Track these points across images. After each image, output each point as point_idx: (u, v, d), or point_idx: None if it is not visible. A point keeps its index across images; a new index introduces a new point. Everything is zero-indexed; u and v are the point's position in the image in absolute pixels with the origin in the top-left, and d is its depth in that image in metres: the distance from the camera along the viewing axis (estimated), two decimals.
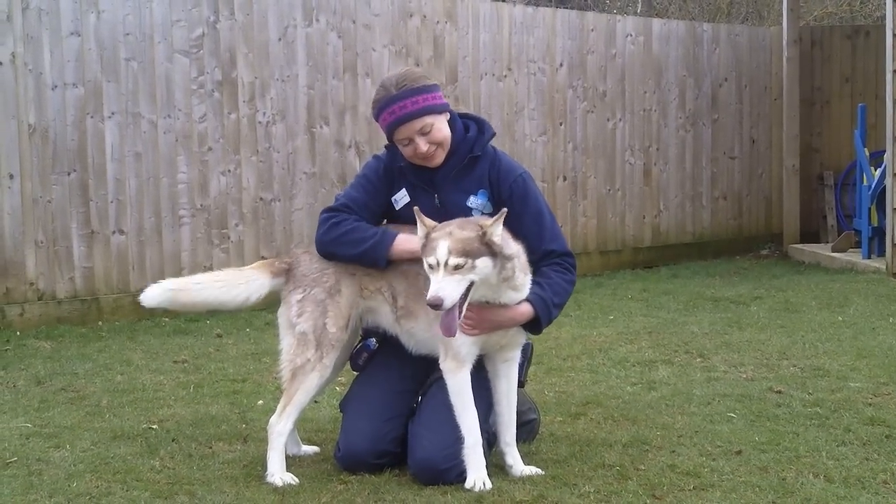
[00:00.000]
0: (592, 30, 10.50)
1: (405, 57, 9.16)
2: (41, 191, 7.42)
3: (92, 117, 7.61)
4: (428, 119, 3.96)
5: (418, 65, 9.19)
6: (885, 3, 10.01)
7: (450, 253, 3.54)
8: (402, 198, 4.09)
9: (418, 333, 3.95)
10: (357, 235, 3.94)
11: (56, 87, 7.45)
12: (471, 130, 4.12)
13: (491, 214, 3.87)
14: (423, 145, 3.96)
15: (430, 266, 3.57)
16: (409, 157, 4.03)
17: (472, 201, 4.03)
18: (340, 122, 8.85)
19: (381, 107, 4.00)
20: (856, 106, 10.90)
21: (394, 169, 4.11)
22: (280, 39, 8.49)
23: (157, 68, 7.89)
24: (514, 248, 3.75)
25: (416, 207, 3.76)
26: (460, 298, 3.56)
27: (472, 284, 3.59)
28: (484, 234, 3.62)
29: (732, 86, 11.61)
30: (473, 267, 3.57)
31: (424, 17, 9.32)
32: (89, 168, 7.61)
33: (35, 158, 7.40)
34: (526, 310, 3.82)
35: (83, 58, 7.56)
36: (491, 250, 3.62)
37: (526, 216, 3.99)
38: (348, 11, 8.85)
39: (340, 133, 8.85)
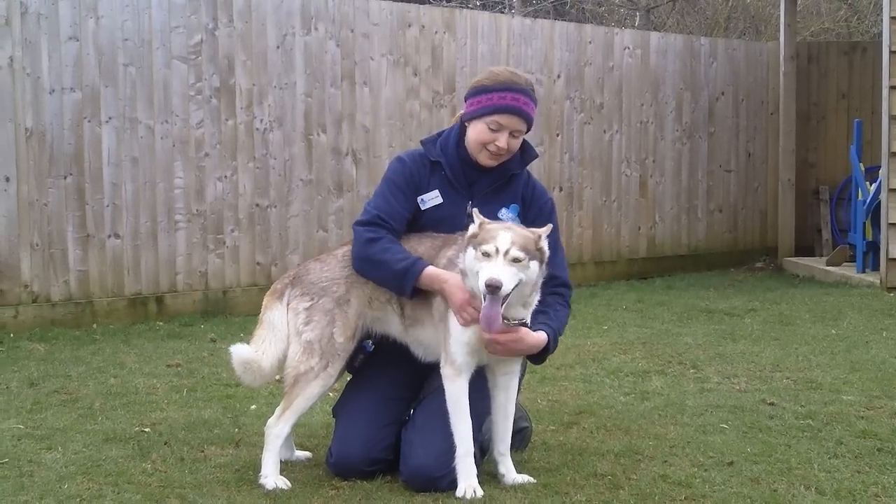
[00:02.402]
0: (590, 42, 10.53)
1: (403, 66, 9.19)
2: (37, 194, 7.43)
3: (89, 122, 7.62)
4: (524, 127, 4.05)
5: (416, 74, 9.23)
6: (882, 20, 10.06)
7: (512, 244, 3.58)
8: (431, 199, 4.08)
9: (426, 340, 3.95)
10: (385, 257, 3.89)
11: (54, 91, 7.46)
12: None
13: None
14: (502, 142, 4.00)
15: (486, 254, 3.58)
16: (480, 142, 4.01)
17: (504, 213, 4.06)
18: (338, 130, 8.86)
19: (504, 88, 4.01)
20: (852, 121, 10.94)
21: (424, 167, 4.10)
22: (278, 47, 8.51)
23: (154, 74, 7.90)
24: (546, 270, 3.80)
25: (475, 209, 3.77)
26: (506, 295, 3.57)
27: (517, 285, 3.61)
28: (539, 237, 3.69)
29: (729, 100, 11.65)
30: (527, 266, 3.62)
31: (423, 26, 9.35)
32: (86, 172, 7.62)
33: (31, 162, 7.40)
34: (542, 338, 3.86)
35: (81, 62, 7.57)
36: (541, 257, 3.68)
37: None
38: (347, 20, 8.88)
39: (337, 141, 8.87)
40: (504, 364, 3.91)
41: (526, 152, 4.20)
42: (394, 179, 4.10)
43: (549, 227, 3.80)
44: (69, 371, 6.03)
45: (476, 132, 4.03)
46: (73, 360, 6.38)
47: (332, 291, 3.97)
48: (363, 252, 3.95)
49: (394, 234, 3.99)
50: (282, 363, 3.99)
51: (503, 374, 3.93)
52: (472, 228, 3.71)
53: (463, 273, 3.73)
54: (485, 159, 4.05)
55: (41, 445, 4.42)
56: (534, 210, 4.09)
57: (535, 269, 3.66)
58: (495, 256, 3.57)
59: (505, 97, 3.99)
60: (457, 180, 4.09)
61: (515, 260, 3.58)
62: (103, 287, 7.75)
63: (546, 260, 3.73)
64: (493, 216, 3.98)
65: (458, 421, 3.76)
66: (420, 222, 4.09)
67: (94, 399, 5.31)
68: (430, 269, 3.86)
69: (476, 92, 4.05)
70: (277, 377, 4.10)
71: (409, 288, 3.86)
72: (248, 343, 4.01)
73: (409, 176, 4.09)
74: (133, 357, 6.51)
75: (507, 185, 4.13)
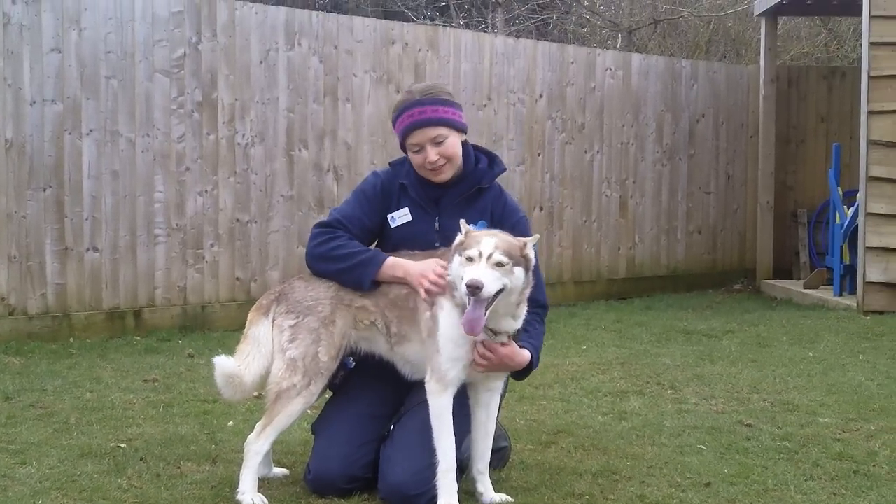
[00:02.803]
0: (573, 62, 10.59)
1: (386, 84, 9.21)
2: (16, 206, 7.38)
3: (70, 134, 7.59)
4: (443, 130, 4.02)
5: (399, 91, 9.24)
6: (861, 45, 10.17)
7: (496, 248, 3.58)
8: (401, 216, 4.12)
9: (412, 356, 3.94)
10: (346, 251, 3.96)
11: (35, 102, 7.43)
12: (482, 162, 4.20)
13: None
14: (432, 154, 4.01)
15: (470, 258, 3.58)
16: (418, 167, 4.07)
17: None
18: (320, 146, 8.86)
19: (403, 109, 4.07)
20: (831, 145, 11.04)
21: (394, 186, 4.14)
22: (262, 62, 8.51)
23: (137, 87, 7.89)
24: (533, 281, 3.79)
25: (462, 220, 3.77)
26: (489, 299, 3.56)
27: (501, 291, 3.59)
28: (525, 245, 3.69)
29: (709, 122, 11.74)
30: (511, 272, 3.60)
31: (406, 44, 9.38)
32: (65, 184, 7.58)
33: (11, 173, 7.36)
34: (527, 356, 3.89)
35: (63, 74, 7.55)
36: (526, 264, 3.67)
37: None
38: (330, 37, 8.89)
39: (319, 157, 8.87)
40: (487, 381, 3.92)
41: (491, 167, 4.20)
42: (365, 190, 4.18)
43: (536, 236, 3.81)
44: (45, 385, 5.98)
45: (411, 159, 4.10)
46: (49, 373, 6.33)
47: (317, 311, 3.95)
48: (319, 249, 4.01)
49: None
50: (263, 379, 3.97)
51: (486, 392, 3.93)
52: (459, 237, 3.73)
53: (451, 285, 3.72)
54: (433, 176, 4.08)
55: (15, 460, 4.37)
56: (507, 227, 4.02)
57: (520, 276, 3.64)
58: (478, 260, 3.57)
59: (403, 120, 4.06)
60: (421, 199, 4.12)
61: (499, 264, 3.56)
62: (81, 301, 7.70)
63: (532, 268, 3.72)
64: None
65: (442, 436, 3.75)
66: (392, 241, 4.11)
67: (70, 414, 5.26)
68: (392, 259, 3.92)
69: (396, 115, 4.14)
70: (256, 394, 4.08)
71: (369, 278, 3.89)
72: (231, 357, 3.99)
73: (381, 190, 4.15)
74: (110, 372, 6.46)
75: (474, 200, 4.13)
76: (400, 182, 4.14)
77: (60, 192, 7.57)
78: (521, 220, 4.17)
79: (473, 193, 4.13)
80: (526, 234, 4.03)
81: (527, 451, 4.65)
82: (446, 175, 4.08)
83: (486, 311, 3.57)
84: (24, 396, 5.68)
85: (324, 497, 3.89)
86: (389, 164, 4.25)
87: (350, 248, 3.97)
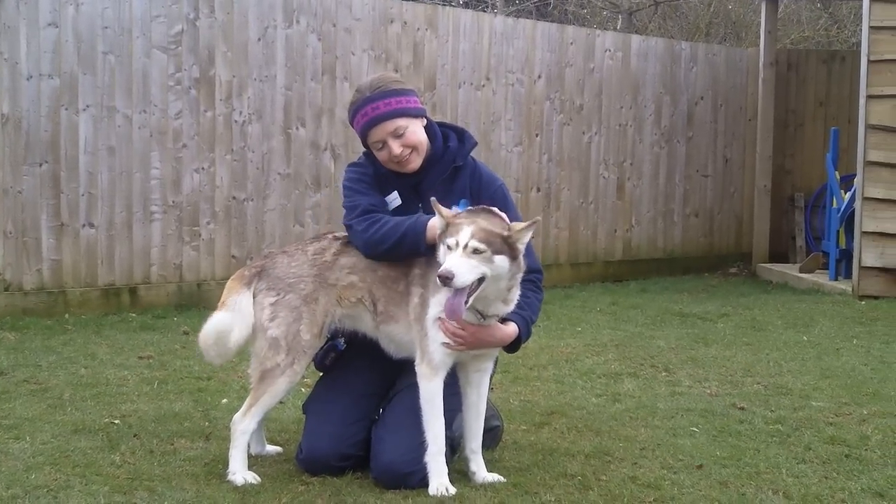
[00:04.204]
0: (572, 43, 10.55)
1: (384, 62, 9.17)
2: (12, 181, 7.37)
3: (66, 109, 7.56)
4: (400, 121, 3.96)
5: (397, 70, 9.21)
6: (860, 30, 10.14)
7: (472, 236, 3.54)
8: (391, 200, 4.09)
9: (398, 336, 3.93)
10: (388, 227, 3.85)
11: (31, 77, 7.40)
12: (451, 140, 4.14)
13: None
14: (396, 148, 3.96)
15: (449, 247, 3.56)
16: (385, 162, 4.03)
17: (454, 211, 4.01)
18: (317, 125, 8.84)
19: (355, 110, 4.03)
20: (829, 129, 11.03)
21: (379, 172, 4.11)
22: (259, 39, 8.48)
23: (134, 63, 7.85)
24: (525, 265, 3.77)
25: (433, 199, 3.73)
26: (470, 286, 3.55)
27: (483, 279, 3.57)
28: (510, 235, 3.63)
29: (708, 105, 11.71)
30: (491, 260, 3.56)
31: (405, 23, 9.34)
32: (61, 160, 7.56)
33: (7, 148, 7.34)
34: (512, 331, 3.86)
35: (60, 49, 7.51)
36: (512, 252, 3.63)
37: None
38: (329, 14, 8.85)
39: (317, 135, 8.84)
40: (477, 362, 3.91)
41: (462, 142, 4.14)
42: (360, 179, 4.10)
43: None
44: (39, 360, 5.99)
45: (377, 156, 4.05)
46: (43, 349, 6.34)
47: (299, 289, 3.92)
48: (366, 234, 3.88)
49: None
50: (241, 347, 3.94)
51: (475, 372, 3.93)
52: (440, 223, 3.69)
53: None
54: (401, 169, 4.04)
55: (9, 435, 4.38)
56: (485, 201, 3.98)
57: (501, 264, 3.59)
58: (455, 249, 3.55)
59: (359, 121, 4.02)
60: (401, 187, 4.09)
61: (476, 251, 3.53)
62: (76, 277, 7.69)
63: (518, 256, 3.67)
64: None
65: (431, 419, 3.76)
66: None
67: (64, 389, 5.27)
68: (433, 219, 3.80)
69: (350, 116, 4.09)
70: (250, 370, 4.08)
71: (423, 241, 3.79)
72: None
73: (372, 175, 4.10)
74: (105, 348, 6.46)
75: (452, 181, 4.09)
76: (381, 171, 4.09)
77: (56, 167, 7.55)
78: (499, 189, 4.13)
79: (450, 174, 4.09)
80: (505, 201, 4.02)
81: (520, 431, 4.66)
82: (415, 164, 4.03)
83: (469, 297, 3.56)
84: (19, 372, 5.68)
85: (316, 475, 3.90)
86: (364, 153, 4.18)
87: (391, 223, 3.87)
